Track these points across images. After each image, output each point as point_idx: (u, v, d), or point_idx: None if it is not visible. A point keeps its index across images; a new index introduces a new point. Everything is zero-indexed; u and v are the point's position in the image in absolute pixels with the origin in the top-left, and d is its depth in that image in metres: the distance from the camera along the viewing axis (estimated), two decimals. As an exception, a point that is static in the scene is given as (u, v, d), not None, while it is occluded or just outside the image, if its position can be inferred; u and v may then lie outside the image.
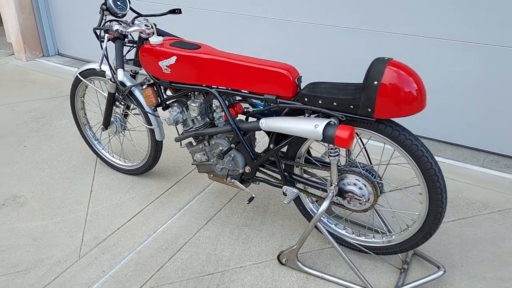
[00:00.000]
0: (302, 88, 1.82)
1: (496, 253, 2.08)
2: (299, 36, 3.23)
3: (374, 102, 1.61)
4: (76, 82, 2.59)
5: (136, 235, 2.23)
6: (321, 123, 1.69)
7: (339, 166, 1.89)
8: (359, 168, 1.85)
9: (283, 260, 2.02)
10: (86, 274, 2.00)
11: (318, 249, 2.13)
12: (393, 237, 1.95)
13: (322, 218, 2.11)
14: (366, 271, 2.00)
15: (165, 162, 2.83)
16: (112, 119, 2.54)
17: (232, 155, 2.08)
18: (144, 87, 2.20)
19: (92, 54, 4.50)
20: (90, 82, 2.53)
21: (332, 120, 1.71)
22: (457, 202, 2.43)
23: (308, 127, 1.71)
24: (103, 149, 2.78)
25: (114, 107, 2.50)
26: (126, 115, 2.56)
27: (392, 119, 1.72)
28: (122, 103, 2.48)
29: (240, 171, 2.11)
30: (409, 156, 1.70)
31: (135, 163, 2.65)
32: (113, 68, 2.27)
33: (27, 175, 2.71)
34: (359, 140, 1.95)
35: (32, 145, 3.04)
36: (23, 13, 4.37)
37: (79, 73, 2.50)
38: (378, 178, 1.87)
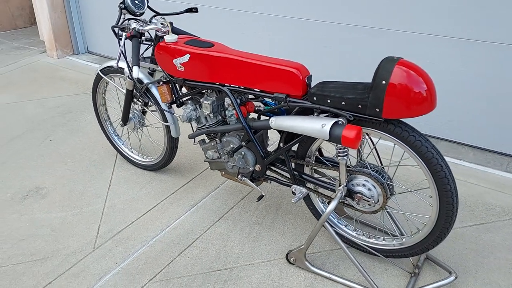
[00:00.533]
0: (311, 87, 1.81)
1: (513, 260, 2.01)
2: (314, 35, 3.20)
3: (382, 102, 1.59)
4: (98, 79, 2.66)
5: (149, 229, 2.28)
6: (328, 123, 1.68)
7: (348, 167, 1.87)
8: (368, 169, 1.83)
9: (291, 260, 2.02)
10: (99, 265, 2.06)
11: (328, 249, 2.11)
12: (404, 240, 1.91)
13: (332, 219, 2.10)
14: (376, 273, 1.97)
15: (182, 159, 2.88)
16: (130, 115, 2.60)
17: (243, 153, 2.09)
18: (159, 84, 2.25)
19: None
20: (110, 79, 2.60)
21: (340, 119, 1.69)
22: (476, 207, 2.35)
23: (316, 126, 1.70)
24: (122, 144, 2.85)
25: (132, 104, 2.56)
26: (144, 112, 2.61)
27: (401, 119, 1.68)
28: (140, 100, 2.53)
29: (251, 169, 2.11)
30: (419, 158, 1.67)
31: (152, 159, 2.70)
32: (130, 65, 2.32)
33: (50, 168, 2.82)
34: (369, 140, 1.92)
35: (57, 139, 3.16)
36: (55, 13, 4.53)
37: (100, 70, 2.58)
38: (388, 180, 1.84)
